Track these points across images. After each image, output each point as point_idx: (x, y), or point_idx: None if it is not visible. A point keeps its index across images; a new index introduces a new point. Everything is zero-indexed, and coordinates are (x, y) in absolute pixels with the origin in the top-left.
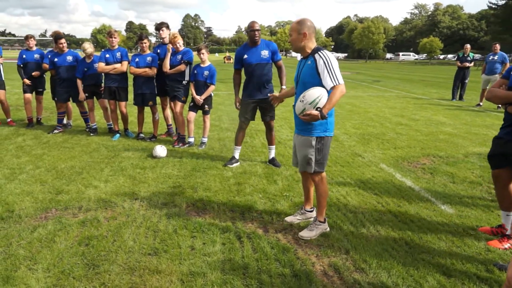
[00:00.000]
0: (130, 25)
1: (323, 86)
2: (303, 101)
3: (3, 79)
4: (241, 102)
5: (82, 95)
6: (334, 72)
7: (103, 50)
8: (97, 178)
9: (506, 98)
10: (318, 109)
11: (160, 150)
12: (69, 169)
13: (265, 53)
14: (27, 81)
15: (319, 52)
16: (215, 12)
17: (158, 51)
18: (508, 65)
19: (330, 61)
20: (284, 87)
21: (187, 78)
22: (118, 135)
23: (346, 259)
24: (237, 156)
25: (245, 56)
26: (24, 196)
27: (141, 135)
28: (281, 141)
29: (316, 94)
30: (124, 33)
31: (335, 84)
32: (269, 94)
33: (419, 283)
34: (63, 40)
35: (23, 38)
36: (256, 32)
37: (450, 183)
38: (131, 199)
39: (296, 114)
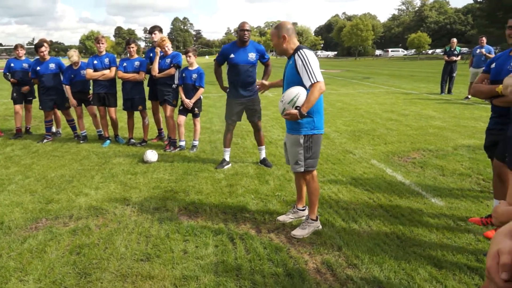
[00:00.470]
0: (118, 31)
1: (304, 85)
2: (282, 100)
3: None
4: (226, 102)
5: (73, 102)
6: (312, 70)
7: (91, 56)
8: (87, 185)
9: (490, 93)
10: (297, 108)
11: (151, 155)
12: (59, 178)
13: (252, 55)
14: (14, 80)
15: (298, 52)
16: (204, 14)
17: (151, 55)
18: (491, 56)
19: (307, 59)
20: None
21: (176, 81)
22: (108, 141)
23: (339, 255)
24: (227, 158)
25: (232, 55)
26: (14, 207)
27: (132, 140)
28: (272, 141)
29: (294, 93)
30: (113, 38)
31: (312, 82)
32: (257, 81)
33: (411, 276)
34: (43, 48)
35: (10, 47)
36: (246, 32)
37: (440, 176)
38: (123, 205)
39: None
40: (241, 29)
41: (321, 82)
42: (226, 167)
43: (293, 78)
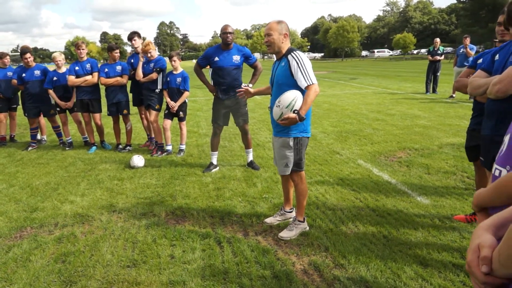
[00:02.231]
0: (104, 36)
1: (298, 87)
2: (279, 106)
3: None
4: (212, 105)
5: (61, 103)
6: (307, 72)
7: (72, 62)
8: (73, 192)
9: None
10: (295, 111)
11: (138, 160)
12: (44, 186)
13: (236, 58)
14: (1, 96)
15: (291, 53)
16: (190, 18)
17: (132, 61)
18: (471, 52)
19: (303, 61)
20: (250, 85)
21: (159, 86)
22: (94, 147)
23: (326, 256)
24: (214, 161)
25: (216, 58)
26: None
27: (120, 146)
28: (259, 143)
29: (291, 97)
30: (98, 44)
31: (309, 84)
32: (243, 86)
33: (397, 275)
34: (27, 55)
35: None
36: (229, 35)
37: (426, 174)
38: (109, 211)
39: (274, 118)
40: (223, 32)
41: (316, 84)
42: (213, 170)
43: (286, 80)
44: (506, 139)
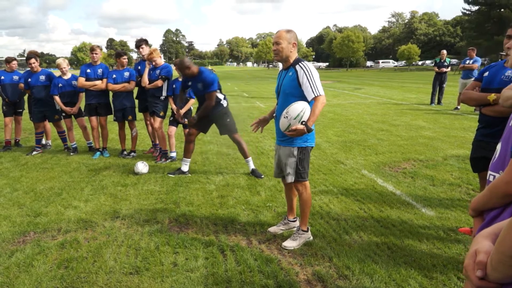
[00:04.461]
0: (110, 42)
1: (305, 97)
2: (287, 117)
3: None
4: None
5: (66, 109)
6: (315, 83)
7: (83, 64)
8: (77, 198)
9: (479, 100)
10: (303, 123)
11: (142, 166)
12: (48, 190)
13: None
14: (7, 100)
15: (299, 64)
16: (196, 26)
17: (139, 67)
18: (474, 65)
19: (311, 72)
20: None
21: (164, 93)
22: (98, 153)
23: (330, 266)
24: (185, 169)
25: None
26: (1, 221)
27: (125, 152)
28: (264, 151)
29: (299, 108)
30: (105, 50)
31: (316, 95)
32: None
33: (401, 287)
34: (32, 60)
35: (1, 59)
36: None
37: (430, 186)
38: (112, 217)
39: (280, 129)
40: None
41: (323, 96)
42: (177, 175)
43: (293, 90)
44: (498, 147)
